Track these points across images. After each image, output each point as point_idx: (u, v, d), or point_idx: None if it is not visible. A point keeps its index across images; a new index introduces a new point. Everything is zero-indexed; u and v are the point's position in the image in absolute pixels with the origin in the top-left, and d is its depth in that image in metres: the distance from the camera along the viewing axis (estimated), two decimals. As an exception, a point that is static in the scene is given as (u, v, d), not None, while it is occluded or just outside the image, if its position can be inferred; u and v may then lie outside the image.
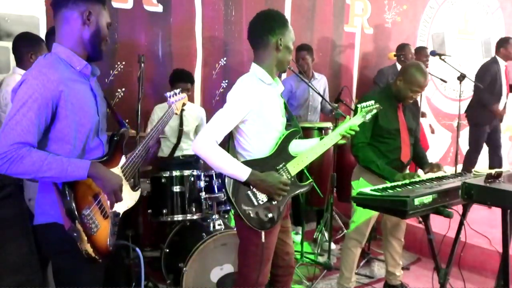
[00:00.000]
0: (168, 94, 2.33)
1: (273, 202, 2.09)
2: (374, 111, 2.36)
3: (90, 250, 1.65)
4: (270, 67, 2.14)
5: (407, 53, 4.83)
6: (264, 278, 2.16)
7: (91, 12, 1.70)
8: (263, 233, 2.06)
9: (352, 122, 2.27)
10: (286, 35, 2.11)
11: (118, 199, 1.75)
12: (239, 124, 2.10)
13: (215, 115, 2.06)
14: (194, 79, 3.94)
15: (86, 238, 1.63)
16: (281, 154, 2.14)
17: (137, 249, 1.77)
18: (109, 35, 1.82)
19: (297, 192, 2.20)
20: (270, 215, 2.08)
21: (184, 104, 2.43)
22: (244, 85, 2.10)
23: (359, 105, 2.34)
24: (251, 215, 2.05)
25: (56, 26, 1.74)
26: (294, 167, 2.15)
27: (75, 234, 1.61)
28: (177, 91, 2.39)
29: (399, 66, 4.91)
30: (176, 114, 2.35)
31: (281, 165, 2.12)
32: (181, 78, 3.70)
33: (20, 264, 2.47)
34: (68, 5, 1.69)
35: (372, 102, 2.37)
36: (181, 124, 3.70)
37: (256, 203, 2.06)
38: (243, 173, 2.00)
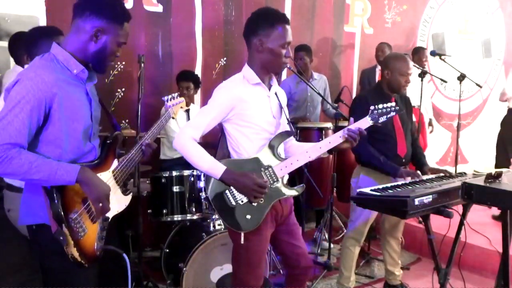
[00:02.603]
0: (165, 98, 2.33)
1: (254, 204, 2.03)
2: (392, 113, 2.19)
3: (76, 254, 1.62)
4: (257, 67, 2.09)
5: (385, 52, 4.85)
6: (255, 281, 2.11)
7: (101, 30, 1.68)
8: (242, 234, 2.03)
9: (358, 125, 2.11)
10: (270, 37, 2.02)
11: (104, 208, 1.68)
12: (225, 124, 2.09)
13: (197, 113, 2.07)
14: (199, 81, 3.93)
15: (72, 242, 1.61)
16: (268, 155, 2.07)
17: (124, 254, 1.76)
18: (119, 52, 1.79)
19: (285, 195, 2.10)
20: (249, 216, 2.02)
21: (181, 108, 2.43)
22: (227, 84, 2.09)
23: (372, 107, 2.16)
24: (228, 214, 2.02)
25: (69, 31, 1.72)
26: (281, 169, 2.06)
27: (61, 238, 1.58)
28: (174, 95, 2.39)
29: (378, 67, 4.93)
30: (173, 118, 2.35)
31: (266, 166, 2.06)
32: (182, 77, 3.78)
33: (21, 264, 2.47)
34: (83, 16, 1.67)
35: (393, 104, 2.19)
36: None
37: (234, 203, 2.02)
38: (218, 170, 1.97)
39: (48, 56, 1.69)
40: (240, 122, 2.06)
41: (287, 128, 2.19)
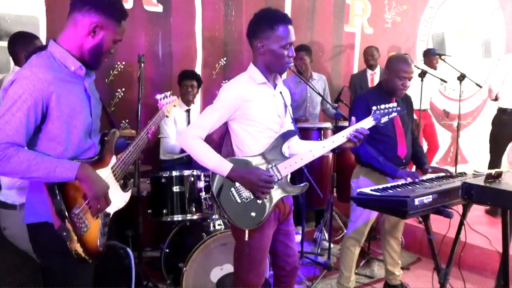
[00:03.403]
0: (158, 96, 2.34)
1: (258, 201, 2.06)
2: (394, 114, 2.24)
3: (80, 250, 1.63)
4: (262, 68, 2.11)
5: (374, 55, 4.89)
6: (257, 279, 2.13)
7: (100, 26, 1.68)
8: (246, 231, 2.05)
9: (361, 125, 2.16)
10: (271, 38, 2.03)
11: (102, 206, 1.69)
12: (231, 123, 2.11)
13: (203, 112, 2.08)
14: (201, 80, 3.94)
15: (76, 237, 1.61)
16: (273, 153, 2.10)
17: (128, 248, 1.76)
18: (114, 49, 1.79)
19: (288, 193, 2.14)
20: (253, 214, 2.04)
21: (174, 106, 2.45)
22: (232, 84, 2.11)
23: (374, 107, 2.21)
24: (233, 212, 2.04)
25: (65, 25, 1.71)
26: (286, 168, 2.09)
27: (64, 234, 1.59)
28: (167, 93, 2.40)
29: (368, 71, 4.91)
30: (167, 116, 2.35)
31: (270, 165, 2.08)
32: (185, 76, 3.80)
33: (20, 264, 2.47)
34: (82, 10, 1.67)
35: (394, 104, 2.25)
36: (189, 123, 3.76)
37: (239, 201, 2.04)
38: (224, 168, 1.99)
39: (45, 54, 1.68)
40: (245, 121, 2.07)
41: (291, 127, 2.21)
